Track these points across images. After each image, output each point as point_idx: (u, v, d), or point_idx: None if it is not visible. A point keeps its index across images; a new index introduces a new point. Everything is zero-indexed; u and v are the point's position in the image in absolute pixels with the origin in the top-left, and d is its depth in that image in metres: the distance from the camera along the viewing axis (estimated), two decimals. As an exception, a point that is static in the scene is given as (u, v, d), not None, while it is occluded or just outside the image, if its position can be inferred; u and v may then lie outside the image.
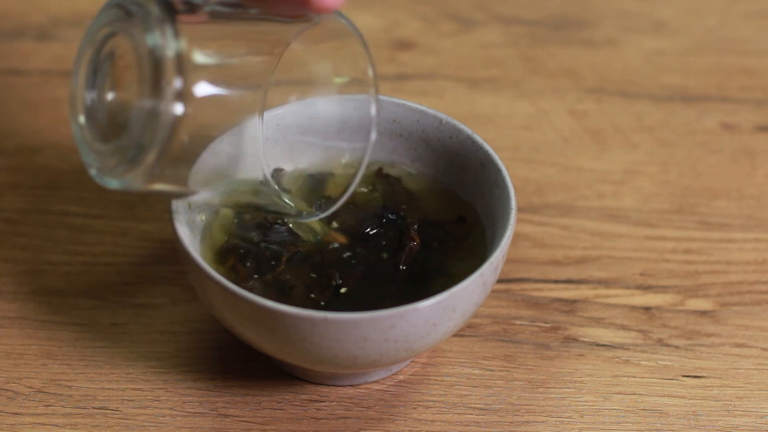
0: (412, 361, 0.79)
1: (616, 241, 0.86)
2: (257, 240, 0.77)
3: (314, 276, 0.75)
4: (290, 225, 0.77)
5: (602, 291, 0.83)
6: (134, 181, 0.66)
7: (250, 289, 0.74)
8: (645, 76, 0.99)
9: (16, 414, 0.76)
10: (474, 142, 0.78)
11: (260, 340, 0.71)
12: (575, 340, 0.80)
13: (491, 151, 0.77)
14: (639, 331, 0.81)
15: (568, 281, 0.84)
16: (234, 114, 0.71)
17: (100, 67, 0.68)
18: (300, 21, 0.71)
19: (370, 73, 0.72)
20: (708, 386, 0.78)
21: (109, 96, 0.69)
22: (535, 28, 1.03)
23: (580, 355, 0.79)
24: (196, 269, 0.71)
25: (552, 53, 1.01)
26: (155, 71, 0.65)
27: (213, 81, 0.67)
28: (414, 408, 0.77)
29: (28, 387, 0.77)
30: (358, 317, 0.69)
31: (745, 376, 0.79)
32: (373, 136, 0.73)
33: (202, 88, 0.66)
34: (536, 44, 1.02)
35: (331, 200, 0.77)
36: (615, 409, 0.77)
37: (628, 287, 0.83)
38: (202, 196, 0.72)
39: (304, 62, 0.76)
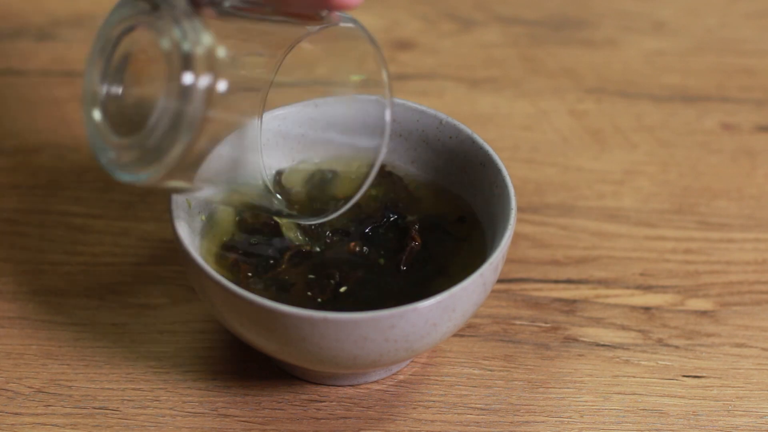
0: (412, 361, 0.79)
1: (616, 241, 0.86)
2: (259, 238, 0.77)
3: (315, 275, 0.75)
4: (281, 225, 0.77)
5: (602, 291, 0.83)
6: (152, 176, 0.66)
7: (251, 287, 0.74)
8: (645, 76, 0.99)
9: (16, 414, 0.76)
10: (474, 142, 0.78)
11: (260, 340, 0.71)
12: (575, 340, 0.80)
13: (491, 151, 0.77)
14: (639, 331, 0.81)
15: (568, 281, 0.84)
16: (247, 112, 0.71)
17: (117, 60, 0.68)
18: (312, 22, 0.70)
19: (385, 77, 0.72)
20: (708, 386, 0.78)
21: (128, 90, 0.68)
22: (535, 28, 1.03)
23: (580, 355, 0.79)
24: (196, 269, 0.71)
25: (552, 53, 1.01)
26: (184, 67, 0.65)
27: (234, 78, 0.66)
28: (414, 408, 0.77)
29: (28, 387, 0.77)
30: (358, 317, 0.69)
31: (745, 376, 0.79)
32: (386, 139, 0.73)
33: (226, 85, 0.66)
34: (536, 44, 1.02)
35: (333, 201, 0.78)
36: (615, 409, 0.77)
37: (628, 287, 0.83)
38: (204, 193, 0.72)
39: (313, 63, 0.76)
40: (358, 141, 0.80)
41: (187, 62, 0.64)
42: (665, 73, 1.00)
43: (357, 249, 0.76)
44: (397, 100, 0.80)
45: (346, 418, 0.76)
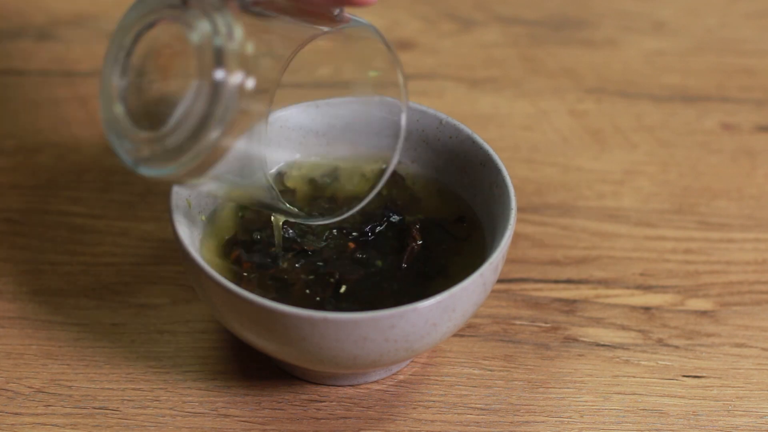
0: (412, 361, 0.79)
1: (616, 241, 0.86)
2: (262, 235, 0.76)
3: (315, 274, 0.75)
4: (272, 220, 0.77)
5: (602, 291, 0.83)
6: (178, 171, 0.65)
7: (251, 283, 0.74)
8: (645, 76, 0.99)
9: (16, 414, 0.76)
10: (474, 142, 0.78)
11: (260, 340, 0.71)
12: (575, 340, 0.80)
13: (491, 151, 0.77)
14: (639, 331, 0.81)
15: (568, 281, 0.84)
16: (266, 109, 0.70)
17: (139, 54, 0.67)
18: (325, 22, 0.70)
19: (401, 80, 0.72)
20: (708, 386, 0.78)
21: (151, 84, 0.68)
22: (535, 28, 1.03)
23: (580, 355, 0.79)
24: (196, 269, 0.71)
25: (552, 53, 1.01)
26: (217, 63, 0.64)
27: (260, 75, 0.66)
28: (414, 408, 0.77)
29: (28, 387, 0.77)
30: (358, 317, 0.69)
31: (745, 376, 0.79)
32: (400, 144, 0.73)
33: (254, 82, 0.65)
34: (536, 44, 1.02)
35: (335, 202, 0.78)
36: (615, 409, 0.77)
37: (628, 287, 0.83)
38: (211, 187, 0.72)
39: (322, 63, 0.75)
40: (360, 142, 0.80)
41: (220, 58, 0.64)
42: (665, 73, 1.00)
43: (355, 248, 0.76)
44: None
45: (346, 418, 0.76)
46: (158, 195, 0.87)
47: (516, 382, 0.78)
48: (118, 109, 0.67)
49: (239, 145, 0.67)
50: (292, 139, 0.80)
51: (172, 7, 0.66)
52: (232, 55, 0.64)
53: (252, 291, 0.71)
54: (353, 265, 0.75)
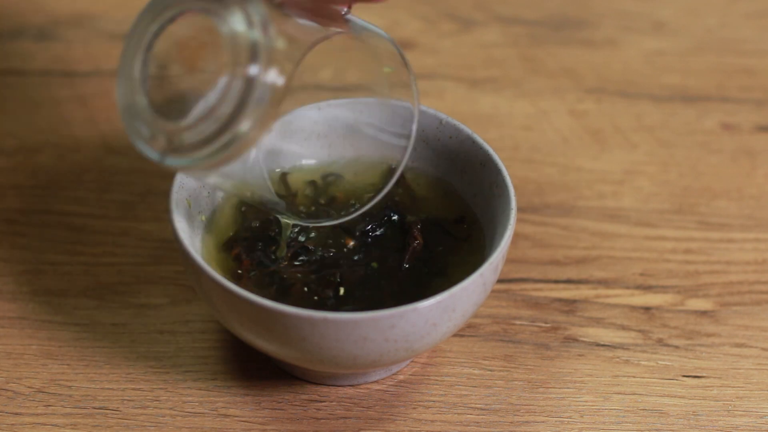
0: (412, 361, 0.79)
1: (616, 241, 0.86)
2: (264, 233, 0.76)
3: (316, 274, 0.75)
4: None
5: (602, 291, 0.83)
6: (201, 163, 0.65)
7: (251, 282, 0.74)
8: (645, 76, 0.99)
9: (16, 414, 0.76)
10: (474, 142, 0.78)
11: (260, 340, 0.71)
12: (575, 340, 0.80)
13: (491, 151, 0.77)
14: (639, 331, 0.81)
15: (568, 281, 0.84)
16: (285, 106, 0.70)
17: (163, 45, 0.67)
18: (335, 24, 0.70)
19: (413, 83, 0.72)
20: (708, 386, 0.78)
21: (175, 75, 0.68)
22: (535, 28, 1.03)
23: (580, 355, 0.79)
24: (196, 269, 0.71)
25: (552, 53, 1.01)
26: (252, 58, 0.64)
27: (288, 72, 0.66)
28: (414, 408, 0.77)
29: (28, 387, 0.77)
30: (358, 317, 0.69)
31: (745, 376, 0.79)
32: (409, 149, 0.73)
33: (284, 79, 0.65)
34: (536, 44, 1.02)
35: (336, 204, 0.77)
36: (615, 409, 0.77)
37: (628, 287, 0.83)
38: (218, 181, 0.71)
39: (328, 65, 0.75)
40: (362, 144, 0.80)
41: (255, 52, 0.64)
42: (665, 73, 1.00)
43: (355, 247, 0.76)
44: (397, 100, 0.80)
45: (346, 418, 0.76)
46: (158, 195, 0.87)
47: (516, 382, 0.78)
48: (141, 99, 0.67)
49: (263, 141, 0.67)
50: (294, 141, 0.80)
51: (201, 0, 0.65)
52: (267, 50, 0.64)
53: (252, 290, 0.71)
54: (353, 265, 0.75)
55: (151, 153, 0.67)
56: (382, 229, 0.77)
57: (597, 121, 0.95)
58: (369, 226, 0.77)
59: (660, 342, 0.80)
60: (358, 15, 0.73)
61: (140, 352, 0.79)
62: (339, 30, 0.70)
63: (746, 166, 0.92)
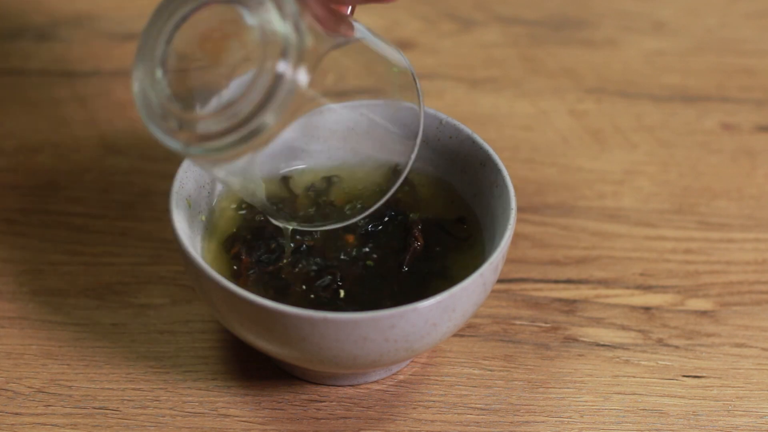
0: (412, 361, 0.79)
1: (616, 241, 0.86)
2: (264, 232, 0.76)
3: (316, 273, 0.75)
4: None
5: (602, 291, 0.83)
6: (224, 151, 0.65)
7: (250, 281, 0.74)
8: (645, 76, 0.99)
9: (16, 414, 0.76)
10: (474, 142, 0.78)
11: (260, 340, 0.71)
12: (575, 340, 0.80)
13: (491, 151, 0.77)
14: (639, 331, 0.81)
15: (568, 281, 0.84)
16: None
17: (185, 36, 0.67)
18: (346, 28, 0.70)
19: (416, 86, 0.72)
20: (708, 386, 0.78)
21: (197, 66, 0.68)
22: (535, 28, 1.03)
23: (580, 355, 0.79)
24: (196, 269, 0.71)
25: (552, 53, 1.01)
26: (283, 54, 0.64)
27: (313, 69, 0.66)
28: (414, 408, 0.77)
29: (28, 387, 0.77)
30: (358, 317, 0.69)
31: (745, 376, 0.79)
32: (413, 156, 0.73)
33: (308, 78, 0.65)
34: (536, 44, 1.02)
35: (337, 207, 0.77)
36: (615, 409, 0.77)
37: (628, 287, 0.83)
38: (224, 177, 0.72)
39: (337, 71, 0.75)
40: (362, 148, 0.80)
41: (287, 48, 0.64)
42: (665, 73, 1.00)
43: (356, 247, 0.76)
44: (397, 100, 0.80)
45: (346, 418, 0.76)
46: (158, 195, 0.87)
47: (516, 382, 0.78)
48: (162, 89, 0.67)
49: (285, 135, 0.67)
50: (295, 144, 0.80)
51: None
52: (298, 46, 0.64)
53: (251, 289, 0.71)
54: (353, 265, 0.75)
55: (171, 142, 0.67)
56: (382, 229, 0.77)
57: (597, 121, 0.95)
58: (370, 226, 0.77)
59: (660, 342, 0.80)
60: (358, 15, 0.73)
61: (140, 352, 0.79)
62: (351, 33, 0.70)
63: (746, 166, 0.92)
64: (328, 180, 0.79)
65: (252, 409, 0.76)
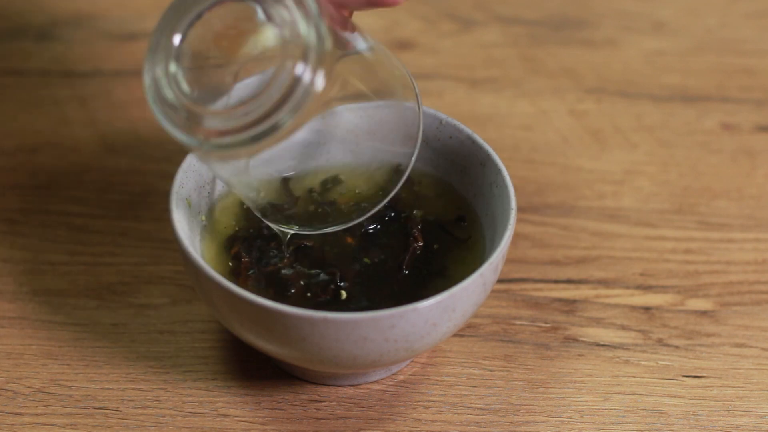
0: (412, 361, 0.79)
1: (616, 241, 0.86)
2: (263, 232, 0.76)
3: (315, 273, 0.75)
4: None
5: (602, 291, 0.83)
6: (238, 148, 0.65)
7: (251, 282, 0.74)
8: (645, 76, 0.99)
9: (16, 414, 0.76)
10: (474, 142, 0.78)
11: (260, 340, 0.71)
12: (575, 340, 0.80)
13: (491, 151, 0.77)
14: (639, 331, 0.81)
15: (568, 281, 0.84)
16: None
17: (199, 33, 0.67)
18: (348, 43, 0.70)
19: (414, 87, 0.73)
20: (708, 386, 0.78)
21: (212, 62, 0.68)
22: (535, 28, 1.03)
23: (580, 355, 0.79)
24: (196, 269, 0.71)
25: (552, 53, 1.01)
26: (304, 57, 0.64)
27: (330, 71, 0.66)
28: (414, 408, 0.77)
29: (28, 387, 0.77)
30: (358, 317, 0.69)
31: (745, 376, 0.79)
32: (413, 160, 0.73)
33: (324, 82, 0.66)
34: (536, 44, 1.02)
35: (338, 209, 0.77)
36: (615, 409, 0.77)
37: (628, 287, 0.83)
38: (227, 175, 0.72)
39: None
40: (363, 149, 0.80)
41: (308, 49, 0.64)
42: (665, 73, 1.00)
43: (355, 246, 0.76)
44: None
45: (346, 418, 0.76)
46: (158, 195, 0.87)
47: (516, 382, 0.78)
48: (177, 84, 0.67)
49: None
50: (295, 147, 0.80)
51: None
52: (318, 49, 0.64)
53: (251, 289, 0.71)
54: (353, 264, 0.75)
55: (182, 136, 0.67)
56: (383, 229, 0.77)
57: (597, 121, 0.95)
58: (370, 226, 0.77)
59: (660, 342, 0.80)
60: (359, 15, 0.73)
61: (140, 352, 0.79)
62: (356, 51, 0.70)
63: (746, 166, 0.92)
64: (329, 181, 0.79)
65: (252, 409, 0.76)
